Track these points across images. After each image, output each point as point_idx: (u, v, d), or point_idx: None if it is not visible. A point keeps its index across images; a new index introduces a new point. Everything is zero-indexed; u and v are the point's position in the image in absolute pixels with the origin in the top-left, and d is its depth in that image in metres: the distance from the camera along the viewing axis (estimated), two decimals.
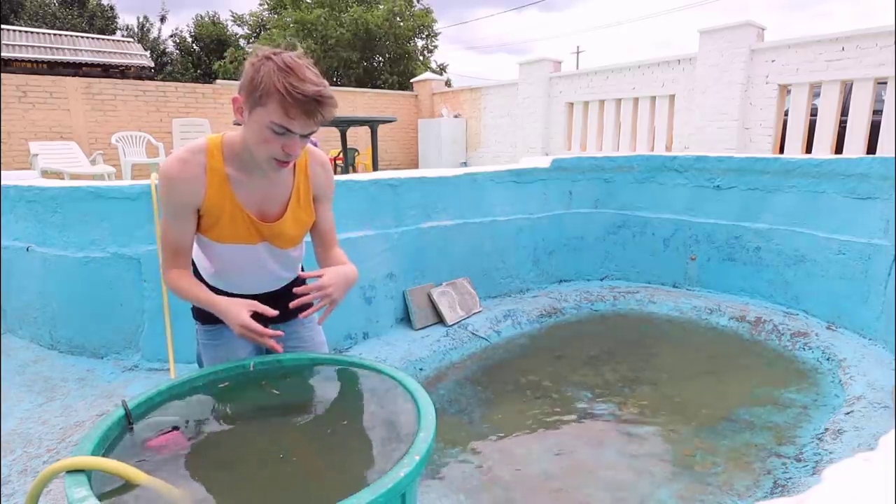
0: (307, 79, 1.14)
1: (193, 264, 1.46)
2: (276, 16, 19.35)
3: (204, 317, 1.48)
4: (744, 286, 4.10)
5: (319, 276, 1.31)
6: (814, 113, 5.94)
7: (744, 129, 6.45)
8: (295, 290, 1.30)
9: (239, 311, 1.26)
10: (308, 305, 1.31)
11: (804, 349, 3.32)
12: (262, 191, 1.33)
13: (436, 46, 20.49)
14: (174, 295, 1.36)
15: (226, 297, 1.33)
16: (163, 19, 25.26)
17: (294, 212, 1.38)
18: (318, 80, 1.17)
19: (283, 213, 1.37)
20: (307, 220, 1.43)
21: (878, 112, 5.52)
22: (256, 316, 1.33)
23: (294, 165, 1.38)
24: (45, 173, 6.47)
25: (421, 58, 19.72)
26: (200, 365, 1.54)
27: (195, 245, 1.40)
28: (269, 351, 1.54)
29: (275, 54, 1.16)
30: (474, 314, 3.72)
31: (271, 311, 1.29)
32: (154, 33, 24.88)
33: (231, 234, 1.32)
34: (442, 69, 21.49)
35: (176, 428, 1.08)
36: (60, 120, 8.02)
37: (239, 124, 1.28)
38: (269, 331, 1.29)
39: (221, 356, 1.45)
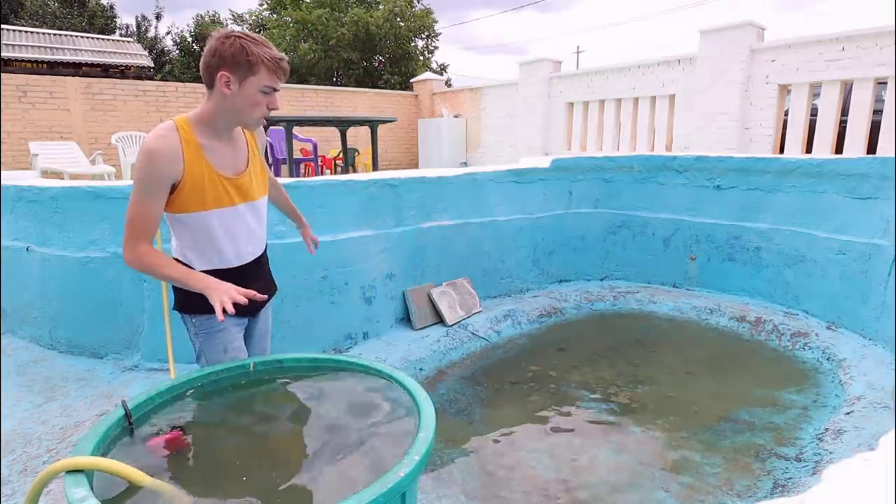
0: (273, 47, 1.43)
1: (182, 262, 1.51)
2: (275, 16, 19.35)
3: (194, 307, 1.51)
4: (744, 286, 4.10)
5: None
6: (814, 113, 5.94)
7: (744, 129, 6.45)
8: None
9: (228, 285, 1.37)
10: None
11: (804, 349, 3.31)
12: (228, 154, 1.51)
13: (436, 47, 20.50)
14: (143, 270, 1.42)
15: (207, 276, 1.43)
16: (158, 17, 25.21)
17: (253, 162, 1.59)
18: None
19: (246, 166, 1.56)
20: (263, 169, 1.65)
21: (878, 112, 5.52)
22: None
23: (242, 130, 1.59)
24: (45, 173, 6.47)
25: (421, 58, 19.70)
26: (200, 361, 1.55)
27: (181, 243, 1.51)
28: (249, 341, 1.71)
29: (236, 32, 1.41)
30: (474, 314, 3.72)
31: (261, 296, 1.42)
32: (152, 33, 24.88)
33: (214, 199, 1.46)
34: (442, 69, 21.48)
35: (175, 428, 1.08)
36: (60, 120, 8.02)
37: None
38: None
39: (222, 341, 1.53)
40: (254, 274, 1.61)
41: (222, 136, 1.49)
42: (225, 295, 1.33)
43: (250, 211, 1.56)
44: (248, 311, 1.55)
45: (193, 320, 1.54)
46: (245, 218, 1.54)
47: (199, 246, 1.49)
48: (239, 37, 1.39)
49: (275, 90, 1.45)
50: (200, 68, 1.44)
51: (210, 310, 1.47)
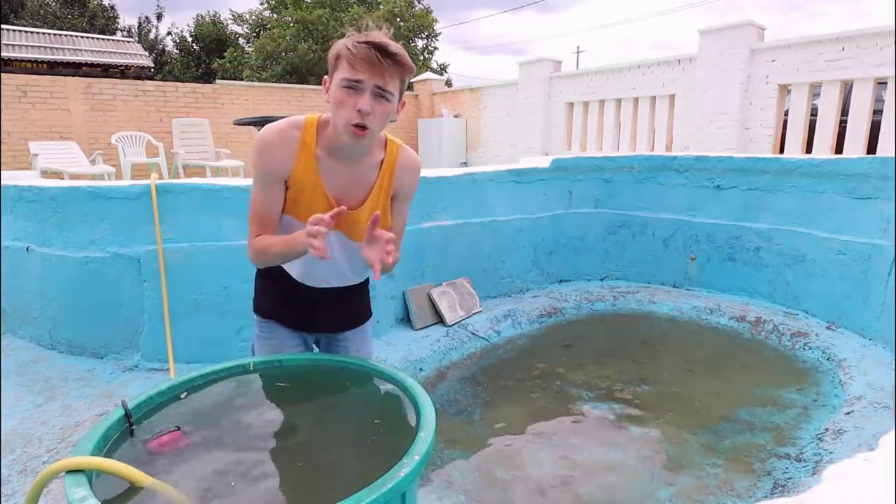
0: (371, 34, 1.20)
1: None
2: (276, 15, 19.35)
3: (262, 310, 1.52)
4: (744, 286, 4.10)
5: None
6: (814, 113, 5.93)
7: (744, 129, 6.45)
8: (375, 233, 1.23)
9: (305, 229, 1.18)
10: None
11: (804, 349, 3.31)
12: (345, 177, 1.33)
13: (436, 47, 20.53)
14: (260, 262, 1.35)
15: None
16: (159, 17, 25.25)
17: (372, 204, 1.37)
18: (384, 37, 1.21)
19: (361, 204, 1.37)
20: (382, 216, 1.40)
21: (878, 112, 5.52)
22: (304, 318, 1.50)
23: (382, 162, 1.37)
24: (45, 173, 6.46)
25: (421, 58, 19.72)
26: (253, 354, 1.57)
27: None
28: (322, 350, 1.61)
29: (351, 34, 1.23)
30: (474, 314, 3.72)
31: (340, 208, 1.19)
32: (153, 33, 24.90)
33: (307, 214, 1.27)
34: (442, 69, 21.49)
35: (176, 428, 1.08)
36: (60, 120, 8.01)
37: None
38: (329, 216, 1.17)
39: (271, 349, 1.50)
40: (320, 302, 1.48)
41: (342, 156, 1.31)
42: (307, 236, 1.14)
43: (342, 244, 1.38)
44: (305, 328, 1.53)
45: (255, 319, 1.54)
46: (332, 247, 1.35)
47: None
48: (344, 35, 1.23)
49: (358, 83, 1.18)
50: None
51: (267, 315, 1.51)
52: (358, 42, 1.18)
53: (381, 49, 1.17)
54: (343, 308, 1.56)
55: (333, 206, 1.30)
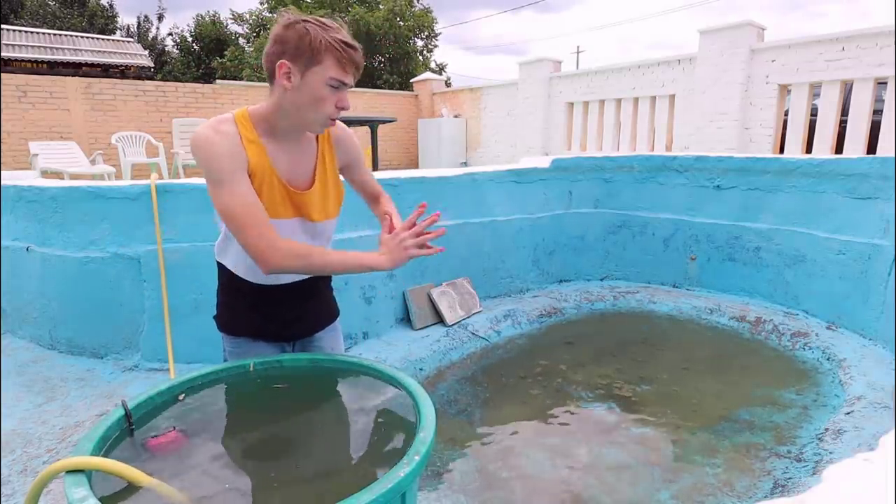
0: (347, 35, 1.25)
1: (222, 266, 1.41)
2: (276, 15, 19.34)
3: (227, 327, 1.47)
4: (744, 286, 4.10)
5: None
6: (814, 113, 5.94)
7: (744, 129, 6.45)
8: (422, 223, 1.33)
9: (393, 245, 1.31)
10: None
11: (804, 349, 3.31)
12: (291, 158, 1.33)
13: (436, 46, 20.50)
14: (299, 267, 1.27)
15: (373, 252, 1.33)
16: (160, 18, 25.25)
17: (322, 179, 1.38)
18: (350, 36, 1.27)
19: (311, 182, 1.37)
20: (334, 188, 1.42)
21: (878, 112, 5.52)
22: (278, 324, 1.46)
23: (316, 137, 1.40)
24: (45, 173, 6.46)
25: (421, 58, 19.71)
26: None
27: (226, 240, 1.37)
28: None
29: (304, 17, 1.23)
30: (474, 314, 3.72)
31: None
32: (153, 33, 24.90)
33: (268, 206, 1.28)
34: (442, 69, 21.49)
35: (175, 428, 1.08)
36: (60, 120, 8.02)
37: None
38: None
39: None
40: (289, 304, 1.44)
41: (285, 139, 1.31)
42: (399, 261, 1.29)
43: (303, 228, 1.36)
44: (283, 337, 1.49)
45: (223, 336, 1.48)
46: (296, 234, 1.34)
47: (234, 247, 1.33)
48: (306, 21, 1.21)
49: (344, 84, 1.23)
50: (263, 59, 1.25)
51: (236, 332, 1.46)
52: (347, 45, 1.22)
53: (359, 52, 1.26)
54: (312, 308, 1.52)
55: (290, 192, 1.32)
